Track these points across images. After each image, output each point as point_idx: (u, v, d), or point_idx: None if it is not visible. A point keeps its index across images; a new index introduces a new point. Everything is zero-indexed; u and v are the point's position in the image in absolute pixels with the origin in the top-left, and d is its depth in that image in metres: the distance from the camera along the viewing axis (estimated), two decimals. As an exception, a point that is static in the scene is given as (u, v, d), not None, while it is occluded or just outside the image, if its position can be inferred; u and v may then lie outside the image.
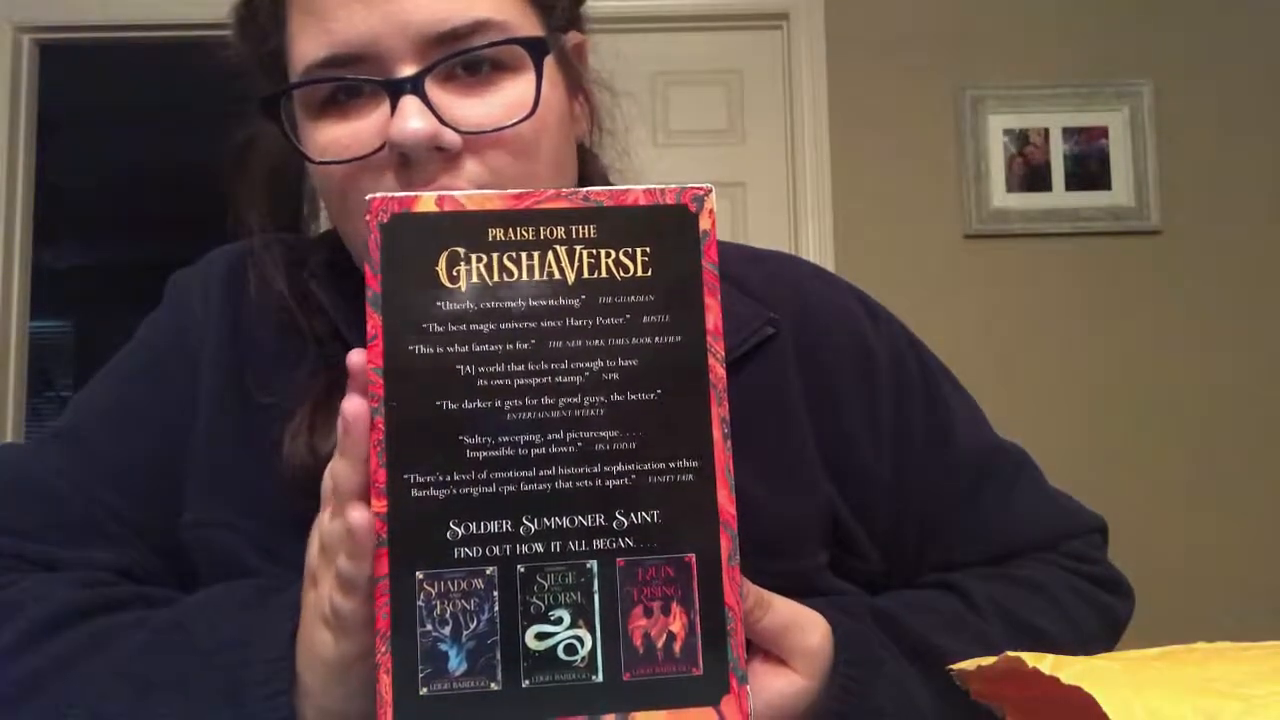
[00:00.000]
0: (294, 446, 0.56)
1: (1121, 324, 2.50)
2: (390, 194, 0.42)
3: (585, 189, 0.43)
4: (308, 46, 0.53)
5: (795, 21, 2.56)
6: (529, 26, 0.55)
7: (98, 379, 0.64)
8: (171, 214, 5.23)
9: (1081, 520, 0.67)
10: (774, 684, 0.48)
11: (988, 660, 0.40)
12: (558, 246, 0.42)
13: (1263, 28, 2.58)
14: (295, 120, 0.56)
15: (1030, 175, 2.52)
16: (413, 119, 0.50)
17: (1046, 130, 2.53)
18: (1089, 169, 2.53)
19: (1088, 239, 2.51)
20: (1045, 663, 0.36)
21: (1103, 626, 0.63)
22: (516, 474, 0.41)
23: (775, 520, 0.59)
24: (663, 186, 0.43)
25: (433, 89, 0.51)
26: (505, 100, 0.53)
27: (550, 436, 0.41)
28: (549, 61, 0.55)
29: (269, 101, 0.55)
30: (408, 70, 0.51)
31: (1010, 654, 0.38)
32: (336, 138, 0.53)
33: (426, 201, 0.42)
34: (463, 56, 0.52)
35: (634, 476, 0.42)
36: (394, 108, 0.51)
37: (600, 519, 0.42)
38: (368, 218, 0.42)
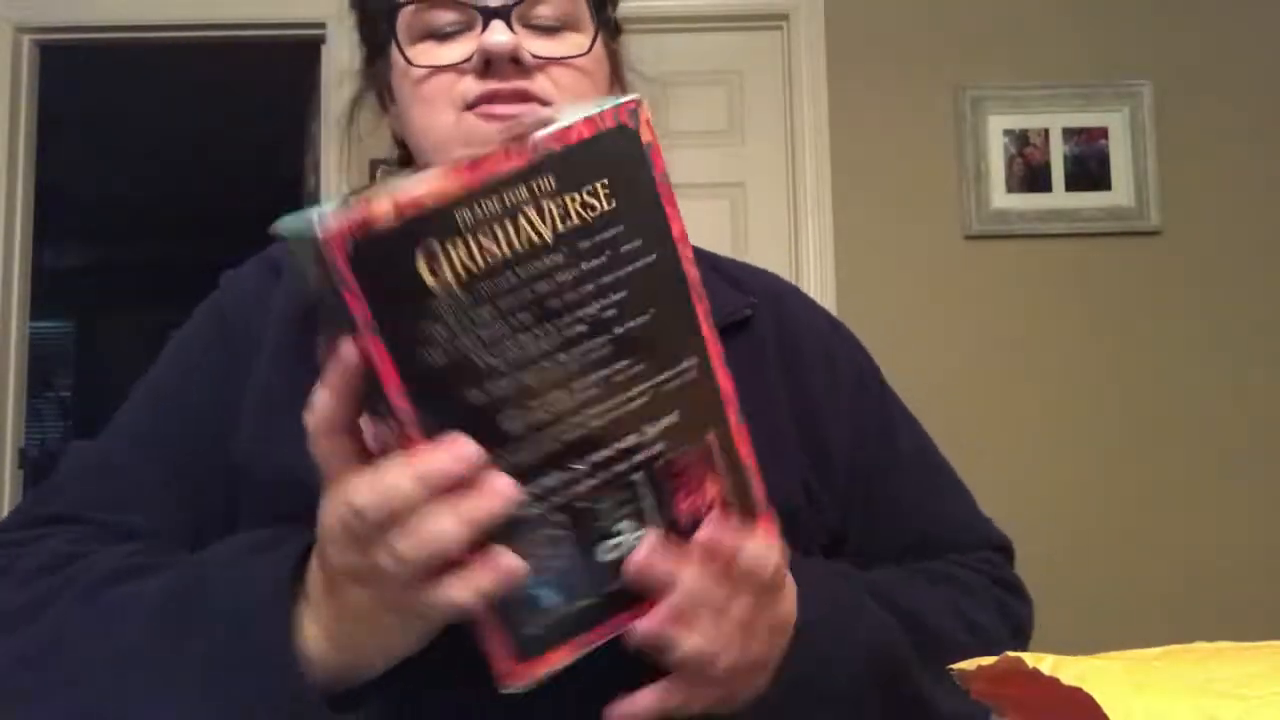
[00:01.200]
0: None
1: (1121, 324, 2.50)
2: (336, 210, 0.39)
3: (532, 137, 0.42)
4: None
5: (795, 21, 2.57)
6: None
7: (157, 361, 0.68)
8: (171, 215, 5.25)
9: (995, 537, 0.75)
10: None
11: (988, 660, 0.40)
12: (526, 208, 0.42)
13: (1263, 28, 2.58)
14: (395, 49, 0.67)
15: (1030, 176, 2.52)
16: (500, 33, 0.62)
17: (1046, 131, 2.53)
18: (1089, 169, 2.53)
19: (1088, 239, 2.51)
20: (1045, 663, 0.36)
21: (1011, 627, 0.68)
22: (555, 430, 0.43)
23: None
24: (599, 110, 0.43)
25: (515, 26, 0.63)
26: (569, 42, 0.66)
27: (574, 387, 0.43)
28: (599, 40, 0.66)
29: (388, 14, 0.65)
30: (497, 4, 0.63)
31: (1010, 654, 0.38)
32: (430, 48, 0.65)
33: (382, 206, 0.39)
34: None
35: (651, 392, 0.45)
36: (485, 27, 0.63)
37: (634, 438, 0.45)
38: (323, 236, 0.39)
